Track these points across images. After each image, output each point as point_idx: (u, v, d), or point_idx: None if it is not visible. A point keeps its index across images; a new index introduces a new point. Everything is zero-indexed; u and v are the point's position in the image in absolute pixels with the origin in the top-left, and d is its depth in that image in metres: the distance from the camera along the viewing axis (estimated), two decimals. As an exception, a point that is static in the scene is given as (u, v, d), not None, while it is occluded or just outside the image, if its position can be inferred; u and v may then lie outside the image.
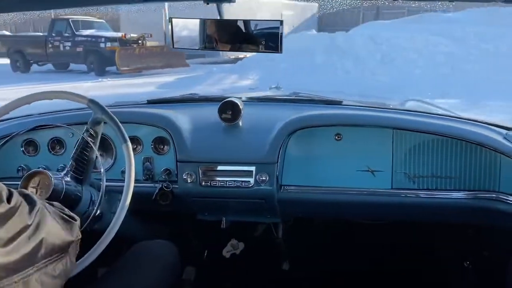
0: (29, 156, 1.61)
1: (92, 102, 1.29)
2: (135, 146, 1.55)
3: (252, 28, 1.26)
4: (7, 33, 16.49)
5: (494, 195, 1.42)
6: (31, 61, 13.83)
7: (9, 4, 1.14)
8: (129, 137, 1.26)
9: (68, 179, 1.22)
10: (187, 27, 1.33)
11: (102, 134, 1.56)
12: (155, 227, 1.77)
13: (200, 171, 1.48)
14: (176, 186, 1.51)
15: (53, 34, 13.38)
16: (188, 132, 1.52)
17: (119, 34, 13.23)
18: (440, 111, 1.85)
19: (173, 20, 1.28)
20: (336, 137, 1.50)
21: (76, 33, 13.04)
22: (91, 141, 1.27)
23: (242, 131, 1.53)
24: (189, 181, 1.48)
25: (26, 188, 1.15)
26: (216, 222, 1.69)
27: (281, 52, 1.22)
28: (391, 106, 1.82)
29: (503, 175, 1.41)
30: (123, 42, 12.74)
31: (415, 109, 1.82)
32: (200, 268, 1.89)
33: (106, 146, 1.58)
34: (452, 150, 1.45)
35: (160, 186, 1.52)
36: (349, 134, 1.50)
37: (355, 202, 1.51)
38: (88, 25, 13.56)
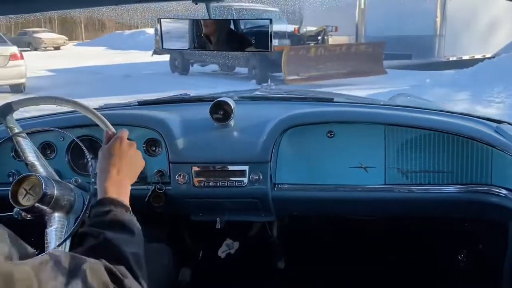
0: (19, 161, 1.59)
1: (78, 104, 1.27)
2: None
3: (242, 28, 1.26)
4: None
5: (486, 188, 1.43)
6: (191, 61, 11.77)
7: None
8: None
9: (60, 188, 1.20)
10: (176, 27, 1.32)
11: (93, 137, 1.56)
12: (149, 229, 1.75)
13: (193, 172, 1.48)
14: (169, 187, 1.50)
15: None
16: (180, 133, 1.51)
17: (290, 28, 9.61)
18: (432, 106, 1.86)
19: (162, 20, 1.28)
20: (329, 135, 1.50)
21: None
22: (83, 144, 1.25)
23: (234, 131, 1.52)
24: (182, 182, 1.47)
25: (16, 192, 1.13)
26: (210, 223, 1.69)
27: (271, 51, 1.22)
28: (382, 103, 1.82)
29: (495, 168, 1.42)
30: (295, 38, 9.51)
31: (405, 103, 1.82)
32: (196, 269, 1.88)
33: (96, 149, 1.57)
34: (444, 144, 1.46)
35: (153, 188, 1.51)
36: (341, 131, 1.50)
37: (348, 198, 1.52)
38: (256, 14, 10.09)
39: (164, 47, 1.32)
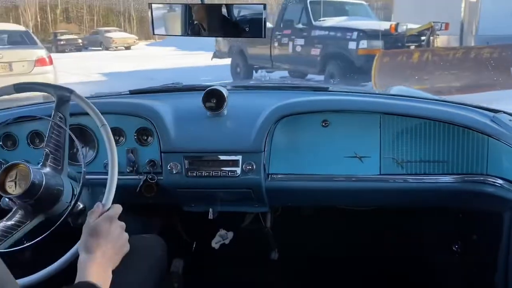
0: (7, 150, 1.56)
1: (61, 88, 1.26)
2: (117, 138, 1.51)
3: (236, 13, 1.23)
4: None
5: (482, 178, 1.42)
6: (255, 66, 9.56)
7: None
8: (111, 128, 1.22)
9: (46, 170, 1.18)
10: (168, 13, 1.29)
11: (82, 125, 1.53)
12: (141, 220, 1.74)
13: (185, 162, 1.45)
14: (161, 177, 1.48)
15: (281, 26, 8.66)
16: (172, 122, 1.49)
17: (385, 25, 7.46)
18: (428, 95, 1.84)
19: (153, 5, 1.25)
20: (323, 124, 1.48)
21: (315, 23, 7.96)
22: (60, 123, 1.23)
23: (227, 120, 1.50)
24: (174, 172, 1.45)
25: (3, 182, 1.11)
26: (203, 213, 1.67)
27: (264, 37, 1.20)
28: (377, 92, 1.81)
29: (490, 158, 1.41)
30: (391, 39, 7.13)
31: (401, 93, 1.81)
32: (189, 260, 1.87)
33: (87, 138, 1.54)
34: (439, 134, 1.45)
35: (145, 178, 1.49)
36: (336, 120, 1.48)
37: (343, 188, 1.50)
38: (338, 9, 8.49)
39: (155, 33, 1.29)
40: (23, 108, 1.65)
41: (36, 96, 1.45)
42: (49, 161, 1.20)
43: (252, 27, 1.21)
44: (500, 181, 1.39)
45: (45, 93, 1.29)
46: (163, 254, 1.33)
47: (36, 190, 1.11)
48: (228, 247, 1.96)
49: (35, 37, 7.79)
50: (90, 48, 26.45)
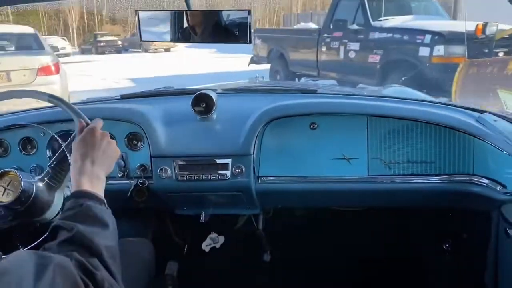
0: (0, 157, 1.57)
1: (52, 97, 1.24)
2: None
3: (221, 19, 1.24)
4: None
5: (468, 178, 1.44)
6: (298, 73, 8.30)
7: None
8: None
9: (40, 184, 1.18)
10: (155, 19, 1.30)
11: (72, 131, 1.53)
12: (133, 224, 1.75)
13: (175, 166, 1.46)
14: (152, 182, 1.49)
15: (331, 27, 7.21)
16: (161, 126, 1.50)
17: (461, 26, 5.18)
18: (419, 96, 1.86)
19: (140, 12, 1.26)
20: (311, 126, 1.50)
21: (374, 23, 6.46)
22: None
23: (217, 124, 1.51)
24: (164, 177, 1.46)
25: None
26: (195, 216, 1.68)
27: (250, 43, 1.21)
28: (365, 93, 1.82)
29: (476, 158, 1.43)
30: (475, 44, 5.27)
31: (396, 94, 1.82)
32: (182, 263, 1.88)
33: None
34: (426, 135, 1.46)
35: (135, 182, 1.50)
36: (324, 122, 1.50)
37: (332, 190, 1.51)
38: (402, 6, 7.02)
39: (142, 39, 1.30)
40: (16, 115, 1.66)
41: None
42: (48, 178, 1.20)
43: (238, 33, 1.22)
44: (486, 181, 1.41)
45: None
46: (151, 257, 1.34)
47: (25, 200, 1.11)
48: (221, 249, 1.97)
49: (43, 41, 6.71)
50: (130, 50, 26.21)
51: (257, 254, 2.03)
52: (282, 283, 2.02)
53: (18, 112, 1.70)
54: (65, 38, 27.25)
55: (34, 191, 1.13)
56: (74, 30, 35.26)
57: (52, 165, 1.20)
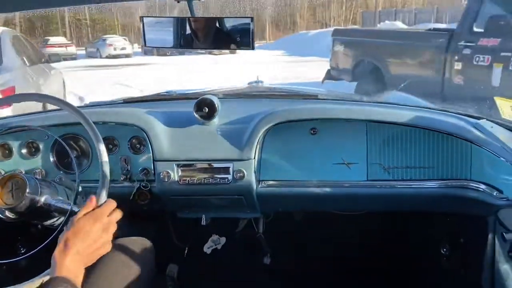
0: (2, 159, 1.59)
1: (65, 104, 1.26)
2: (111, 146, 1.55)
3: (224, 26, 1.27)
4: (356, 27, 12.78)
5: (465, 183, 1.46)
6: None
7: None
8: (104, 137, 1.25)
9: (45, 186, 1.20)
10: (159, 26, 1.33)
11: (77, 135, 1.56)
12: (135, 227, 1.77)
13: (178, 170, 1.48)
14: (154, 185, 1.51)
15: (473, 29, 4.56)
16: (164, 130, 1.52)
17: None
18: (419, 102, 1.88)
19: (144, 19, 1.28)
20: (312, 131, 1.52)
21: None
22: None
23: (219, 128, 1.53)
24: (166, 180, 1.48)
25: (0, 192, 1.13)
26: (196, 219, 1.70)
27: (253, 49, 1.23)
28: (364, 99, 1.84)
29: (474, 163, 1.45)
30: None
31: (397, 101, 1.84)
32: (183, 265, 1.90)
33: (81, 146, 1.57)
34: (424, 140, 1.49)
35: (138, 185, 1.52)
36: (324, 128, 1.52)
37: (332, 194, 1.53)
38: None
39: (147, 45, 1.33)
40: (20, 118, 1.68)
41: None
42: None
43: (240, 39, 1.25)
44: (483, 186, 1.43)
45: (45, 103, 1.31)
46: (151, 255, 1.36)
47: (32, 201, 1.13)
48: (221, 252, 1.99)
49: (11, 49, 4.54)
50: (194, 52, 23.65)
51: (258, 257, 2.05)
52: (282, 286, 2.04)
53: (23, 115, 1.73)
54: (125, 37, 26.19)
55: (40, 191, 1.15)
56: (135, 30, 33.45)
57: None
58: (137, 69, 15.33)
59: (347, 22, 33.81)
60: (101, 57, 22.66)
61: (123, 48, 23.30)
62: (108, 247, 1.01)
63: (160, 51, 22.39)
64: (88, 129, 1.18)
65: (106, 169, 1.13)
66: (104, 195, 1.09)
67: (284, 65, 15.03)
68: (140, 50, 25.37)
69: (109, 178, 1.12)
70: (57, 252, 0.92)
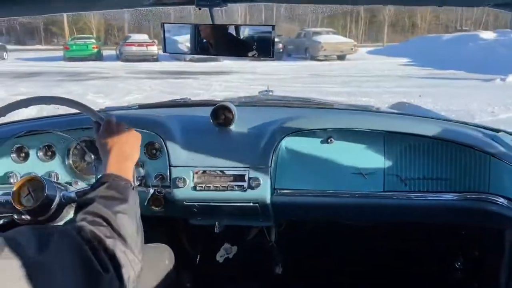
0: (18, 162, 1.60)
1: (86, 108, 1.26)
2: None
3: (244, 34, 1.27)
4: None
5: (484, 196, 1.44)
6: None
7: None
8: None
9: (62, 187, 1.21)
10: (179, 32, 1.33)
11: (91, 137, 1.56)
12: (148, 232, 1.76)
13: (193, 176, 1.48)
14: (169, 191, 1.51)
15: None
16: (180, 136, 1.52)
17: None
18: (430, 114, 1.87)
19: (165, 25, 1.29)
20: (328, 141, 1.52)
21: None
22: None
23: (235, 135, 1.53)
24: (182, 186, 1.47)
25: (18, 194, 1.14)
26: (209, 227, 1.69)
27: (273, 57, 1.23)
28: (381, 109, 1.83)
29: (492, 176, 1.43)
30: None
31: (404, 111, 1.83)
32: (194, 272, 1.89)
33: (97, 149, 1.57)
34: (442, 152, 1.47)
35: (153, 191, 1.52)
36: (341, 137, 1.51)
37: (348, 204, 1.52)
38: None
39: (166, 51, 1.33)
40: (34, 122, 1.69)
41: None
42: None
43: (260, 47, 1.25)
44: (502, 200, 1.41)
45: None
46: (171, 263, 1.35)
47: (48, 205, 1.14)
48: (232, 261, 1.98)
49: None
50: (293, 55, 20.44)
51: (269, 266, 2.03)
52: None
53: (39, 118, 1.74)
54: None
55: (57, 195, 1.16)
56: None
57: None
58: (211, 77, 12.48)
59: (477, 26, 29.57)
60: (184, 59, 18.65)
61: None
62: (139, 135, 1.12)
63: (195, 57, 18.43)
64: (84, 111, 1.19)
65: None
66: (99, 114, 1.16)
67: (421, 83, 10.43)
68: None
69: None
70: (103, 162, 1.02)
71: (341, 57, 18.96)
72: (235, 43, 1.29)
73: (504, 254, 1.48)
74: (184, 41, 1.33)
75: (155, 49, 18.78)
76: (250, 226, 1.95)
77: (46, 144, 1.59)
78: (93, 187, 0.93)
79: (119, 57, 19.11)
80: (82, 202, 0.88)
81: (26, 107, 1.21)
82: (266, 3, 1.38)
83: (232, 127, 1.53)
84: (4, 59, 20.00)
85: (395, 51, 20.86)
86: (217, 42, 1.31)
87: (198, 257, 2.05)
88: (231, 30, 1.29)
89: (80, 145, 1.42)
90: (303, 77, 12.70)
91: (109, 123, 1.09)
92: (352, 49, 19.42)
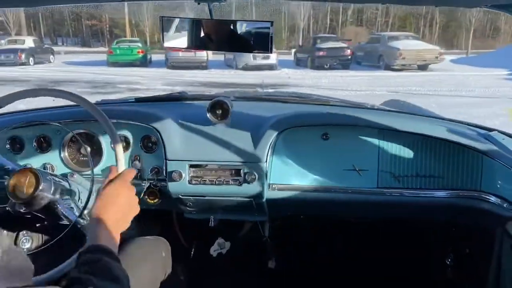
0: (13, 153, 1.59)
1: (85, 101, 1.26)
2: (123, 144, 1.55)
3: (243, 29, 1.27)
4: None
5: (476, 194, 1.47)
6: None
7: None
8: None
9: (57, 179, 1.21)
10: (177, 26, 1.33)
11: (90, 132, 1.57)
12: (143, 225, 1.77)
13: (189, 170, 1.49)
14: (165, 184, 1.52)
15: None
16: (177, 130, 1.52)
17: None
18: (425, 112, 1.89)
19: (164, 19, 1.29)
20: (324, 137, 1.53)
21: None
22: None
23: (231, 130, 1.54)
24: (177, 180, 1.48)
25: (13, 186, 1.14)
26: (204, 220, 1.70)
27: (271, 53, 1.24)
28: (376, 106, 1.85)
29: (484, 174, 1.46)
30: None
31: (397, 108, 1.85)
32: (188, 266, 1.90)
33: (94, 143, 1.58)
34: (435, 150, 1.49)
35: (148, 184, 1.53)
36: (336, 133, 1.53)
37: (341, 200, 1.54)
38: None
39: (165, 45, 1.33)
40: (30, 113, 1.68)
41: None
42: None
43: (259, 43, 1.26)
44: (493, 198, 1.44)
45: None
46: (168, 256, 1.36)
47: (45, 195, 1.14)
48: (226, 255, 1.99)
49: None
50: (363, 63, 17.71)
51: (262, 261, 2.05)
52: None
53: (36, 109, 1.73)
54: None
55: (52, 186, 1.16)
56: (301, 32, 27.99)
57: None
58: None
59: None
60: (236, 67, 16.45)
61: (266, 57, 15.58)
62: (138, 209, 1.03)
63: (316, 61, 16.20)
64: (107, 129, 1.18)
65: (120, 147, 1.14)
66: (122, 163, 1.12)
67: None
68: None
69: (123, 153, 1.14)
70: (91, 223, 0.94)
71: (422, 67, 15.93)
72: (234, 38, 1.29)
73: (493, 252, 1.50)
74: (182, 35, 1.33)
75: (204, 55, 16.90)
76: (244, 221, 1.96)
77: (42, 135, 1.58)
78: (86, 261, 0.85)
79: (166, 64, 17.30)
80: (77, 278, 0.80)
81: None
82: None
83: (228, 122, 1.54)
84: (50, 62, 19.39)
85: (484, 61, 17.68)
86: (215, 37, 1.32)
87: (192, 251, 2.05)
88: (230, 25, 1.29)
89: (76, 137, 1.42)
90: (381, 93, 9.56)
91: (124, 182, 1.01)
92: (437, 57, 16.32)
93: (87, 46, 32.75)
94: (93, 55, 21.03)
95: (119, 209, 0.97)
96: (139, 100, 1.83)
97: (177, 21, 1.32)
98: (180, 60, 16.67)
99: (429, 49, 16.59)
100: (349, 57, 16.64)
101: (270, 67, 16.04)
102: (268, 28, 1.23)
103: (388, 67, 15.82)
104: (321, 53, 16.21)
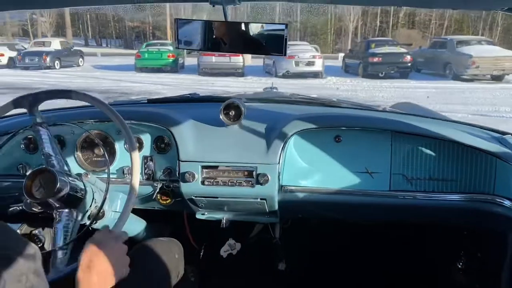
0: (29, 153, 1.61)
1: (104, 105, 1.27)
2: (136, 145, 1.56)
3: (257, 31, 1.28)
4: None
5: (489, 198, 1.46)
6: None
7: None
8: None
9: (72, 179, 1.23)
10: (192, 28, 1.34)
11: (104, 132, 1.58)
12: (155, 226, 1.78)
13: (202, 171, 1.49)
14: (177, 185, 1.52)
15: None
16: (190, 131, 1.53)
17: None
18: (437, 115, 1.88)
19: (179, 21, 1.30)
20: (336, 139, 1.53)
21: None
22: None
23: (244, 132, 1.54)
24: (190, 181, 1.48)
25: (30, 186, 1.16)
26: (215, 222, 1.71)
27: (285, 55, 1.24)
28: (388, 109, 1.84)
29: (498, 178, 1.45)
30: None
31: (408, 111, 1.84)
32: (199, 267, 1.90)
33: (108, 144, 1.59)
34: (449, 153, 1.49)
35: (161, 185, 1.54)
36: (349, 136, 1.52)
37: (353, 203, 1.54)
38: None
39: (179, 47, 1.34)
40: (45, 114, 1.69)
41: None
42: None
43: (272, 45, 1.26)
44: (507, 202, 1.43)
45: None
46: (180, 256, 1.37)
47: (60, 196, 1.15)
48: (237, 256, 1.99)
49: None
50: (424, 71, 15.76)
51: (272, 263, 2.05)
52: None
53: (49, 110, 1.74)
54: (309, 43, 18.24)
55: (68, 185, 1.18)
56: (350, 33, 26.81)
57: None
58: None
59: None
60: (276, 75, 14.80)
61: (310, 63, 14.31)
62: (128, 270, 1.00)
63: (369, 68, 14.40)
64: (125, 134, 1.20)
65: (136, 154, 1.17)
66: (121, 227, 1.11)
67: None
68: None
69: (130, 210, 1.14)
70: (81, 271, 0.90)
71: (497, 78, 13.37)
72: (248, 40, 1.30)
73: (506, 256, 1.49)
74: (196, 37, 1.34)
75: (240, 60, 15.01)
76: (255, 222, 1.96)
77: (56, 136, 1.59)
78: None
79: (198, 70, 15.52)
80: None
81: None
82: (281, 2, 1.38)
83: (241, 123, 1.54)
84: (79, 65, 18.67)
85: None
86: (229, 39, 1.32)
87: (202, 251, 2.06)
88: (244, 27, 1.30)
89: (92, 136, 1.43)
90: (456, 111, 7.53)
91: (118, 239, 1.00)
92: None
93: (129, 48, 33.01)
94: (130, 58, 19.24)
95: (109, 264, 0.94)
96: (151, 101, 1.84)
97: (192, 23, 1.33)
98: (213, 65, 15.05)
99: (508, 56, 13.57)
100: (409, 64, 14.74)
101: (315, 75, 14.47)
102: (283, 30, 1.23)
103: (457, 77, 13.63)
104: (375, 59, 14.36)
